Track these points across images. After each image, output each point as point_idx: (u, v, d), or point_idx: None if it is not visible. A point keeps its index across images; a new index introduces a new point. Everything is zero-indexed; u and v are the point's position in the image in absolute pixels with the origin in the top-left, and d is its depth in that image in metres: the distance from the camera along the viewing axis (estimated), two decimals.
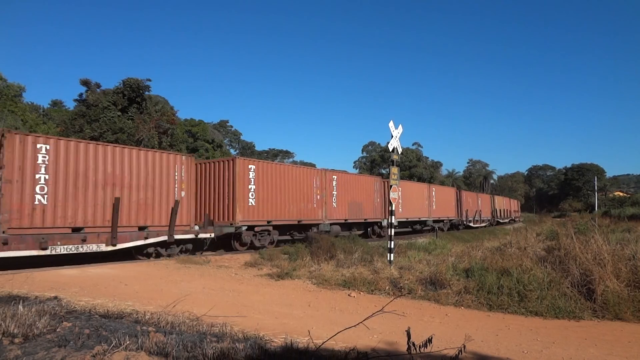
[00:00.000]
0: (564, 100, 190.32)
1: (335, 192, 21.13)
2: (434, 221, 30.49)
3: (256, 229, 16.83)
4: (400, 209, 24.93)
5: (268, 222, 17.21)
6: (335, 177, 21.25)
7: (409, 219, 27.43)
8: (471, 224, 37.00)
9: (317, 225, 19.68)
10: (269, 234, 17.55)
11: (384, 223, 23.03)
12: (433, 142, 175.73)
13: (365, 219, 23.43)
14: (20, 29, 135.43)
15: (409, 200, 26.68)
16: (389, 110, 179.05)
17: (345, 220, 21.78)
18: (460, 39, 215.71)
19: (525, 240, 14.89)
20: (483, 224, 40.24)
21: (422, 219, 28.83)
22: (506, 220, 50.03)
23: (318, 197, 19.82)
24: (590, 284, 7.92)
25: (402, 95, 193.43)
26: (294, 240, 18.49)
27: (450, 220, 33.98)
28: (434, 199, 30.55)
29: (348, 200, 22.05)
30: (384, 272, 10.55)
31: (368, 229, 24.58)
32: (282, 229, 18.48)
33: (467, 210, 36.48)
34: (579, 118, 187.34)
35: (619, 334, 6.60)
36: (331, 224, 20.56)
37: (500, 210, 48.03)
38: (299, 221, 18.74)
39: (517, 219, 60.60)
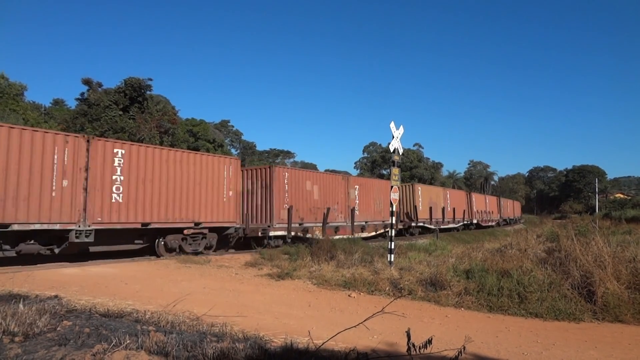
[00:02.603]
0: (565, 101, 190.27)
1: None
2: (191, 227, 15.05)
3: None
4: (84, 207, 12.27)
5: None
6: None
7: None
8: (338, 233, 20.60)
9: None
10: None
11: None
12: (434, 143, 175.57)
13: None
14: (21, 27, 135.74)
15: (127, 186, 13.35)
16: (391, 110, 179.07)
17: None
18: (461, 39, 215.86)
19: (526, 242, 14.87)
20: (373, 232, 23.83)
21: (148, 224, 13.78)
22: (456, 225, 34.18)
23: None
24: (590, 286, 7.92)
25: (404, 96, 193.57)
26: None
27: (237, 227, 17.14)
28: (200, 188, 15.18)
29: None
30: (384, 272, 10.55)
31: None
32: None
33: (328, 209, 20.42)
34: (580, 119, 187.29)
35: (619, 336, 6.60)
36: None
37: (447, 209, 32.99)
38: None
39: (499, 222, 46.80)
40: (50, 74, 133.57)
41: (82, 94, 35.32)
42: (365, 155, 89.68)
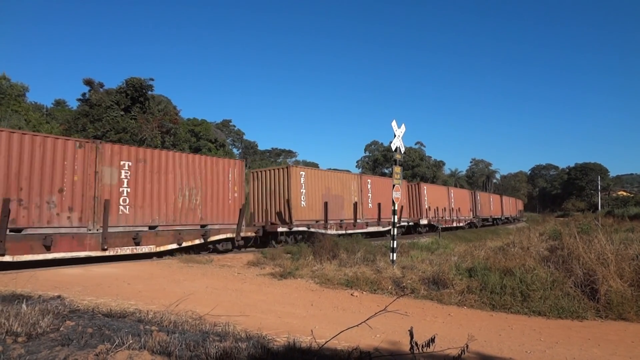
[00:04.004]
0: (567, 99, 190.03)
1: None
2: None
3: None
4: None
5: None
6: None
7: None
8: None
9: None
10: None
11: None
12: (436, 142, 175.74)
13: None
14: (23, 28, 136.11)
15: None
16: (392, 109, 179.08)
17: None
18: (463, 37, 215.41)
19: (528, 240, 14.85)
20: (172, 244, 14.30)
21: None
22: (383, 229, 23.80)
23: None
24: (593, 284, 7.90)
25: (406, 95, 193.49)
26: None
27: None
28: None
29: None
30: (386, 271, 10.55)
31: None
32: None
33: (6, 200, 10.67)
34: (583, 117, 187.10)
35: (622, 334, 6.58)
36: None
37: (367, 205, 23.44)
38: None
39: (473, 222, 37.24)
40: (51, 74, 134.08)
41: (84, 94, 35.45)
42: (367, 154, 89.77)
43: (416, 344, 2.99)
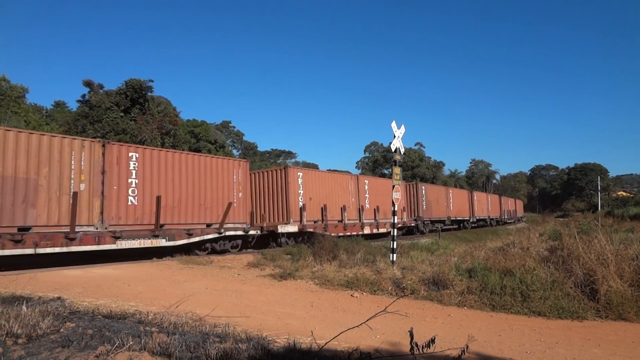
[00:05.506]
0: (567, 99, 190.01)
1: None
2: None
3: None
4: None
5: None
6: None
7: None
8: None
9: None
10: None
11: None
12: (436, 142, 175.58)
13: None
14: (22, 30, 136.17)
15: None
16: (392, 110, 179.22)
17: None
18: (462, 39, 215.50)
19: (528, 241, 14.85)
20: None
21: None
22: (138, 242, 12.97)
23: None
24: (593, 284, 7.90)
25: (405, 95, 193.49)
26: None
27: None
28: None
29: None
30: (386, 272, 10.54)
31: None
32: None
33: None
34: (582, 117, 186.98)
35: (622, 334, 6.58)
36: None
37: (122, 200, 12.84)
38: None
39: (412, 225, 27.60)
40: (51, 76, 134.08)
41: (84, 95, 35.47)
42: (367, 154, 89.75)
43: (416, 344, 2.99)
